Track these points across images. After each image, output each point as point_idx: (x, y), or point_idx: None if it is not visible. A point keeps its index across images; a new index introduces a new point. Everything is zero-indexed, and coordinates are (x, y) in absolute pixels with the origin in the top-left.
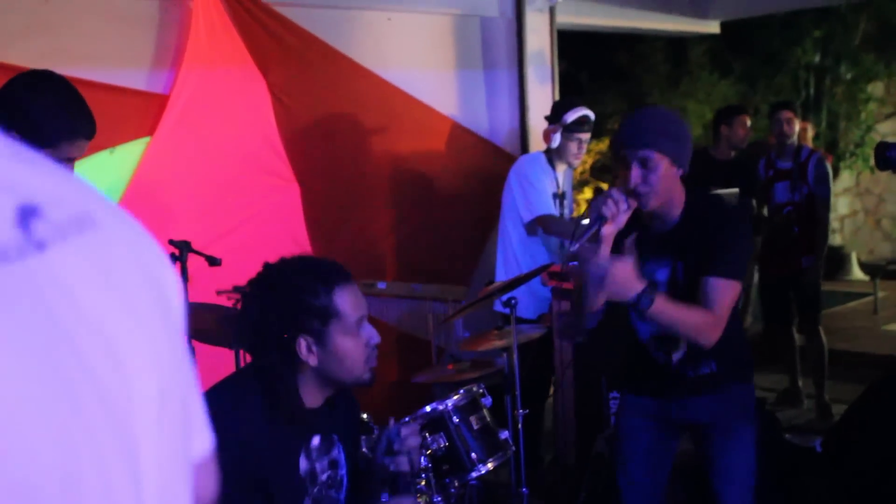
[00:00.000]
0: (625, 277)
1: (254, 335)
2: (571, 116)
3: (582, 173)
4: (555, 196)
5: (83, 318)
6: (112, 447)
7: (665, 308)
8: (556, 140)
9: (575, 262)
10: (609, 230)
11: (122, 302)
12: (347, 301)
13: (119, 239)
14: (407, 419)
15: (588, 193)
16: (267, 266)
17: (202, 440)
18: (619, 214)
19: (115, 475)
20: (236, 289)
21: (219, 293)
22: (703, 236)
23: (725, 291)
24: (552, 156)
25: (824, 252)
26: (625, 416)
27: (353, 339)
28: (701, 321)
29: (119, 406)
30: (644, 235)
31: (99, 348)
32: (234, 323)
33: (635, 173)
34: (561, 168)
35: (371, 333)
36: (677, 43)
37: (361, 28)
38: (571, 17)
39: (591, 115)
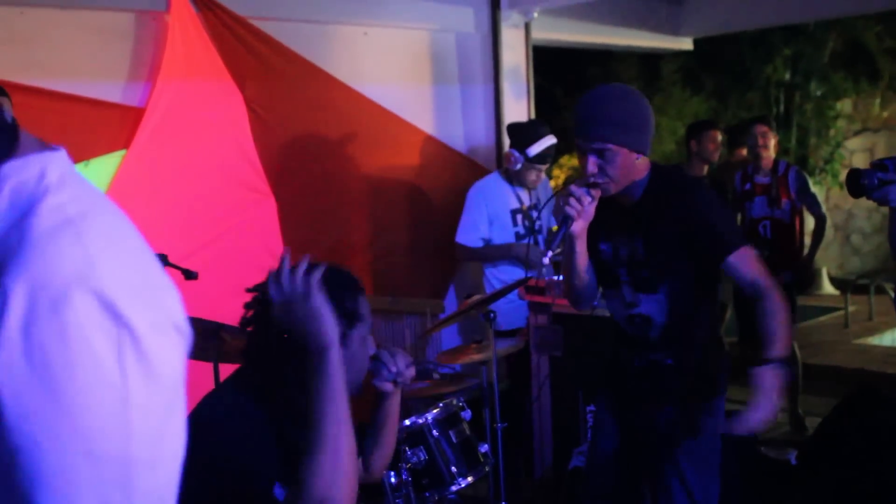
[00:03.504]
0: None
1: (278, 336)
2: (535, 150)
3: (555, 188)
4: (515, 212)
5: None
6: None
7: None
8: (517, 166)
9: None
10: (579, 226)
11: None
12: (367, 308)
13: None
14: None
15: None
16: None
17: None
18: (584, 209)
19: None
20: (258, 286)
21: (248, 290)
22: (665, 213)
23: (747, 259)
24: (511, 175)
25: (813, 259)
26: (600, 411)
27: (365, 346)
28: (774, 309)
29: None
30: (609, 209)
31: None
32: (252, 321)
33: (591, 163)
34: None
35: (372, 343)
36: (650, 59)
37: (338, 42)
38: (546, 33)
39: (555, 142)
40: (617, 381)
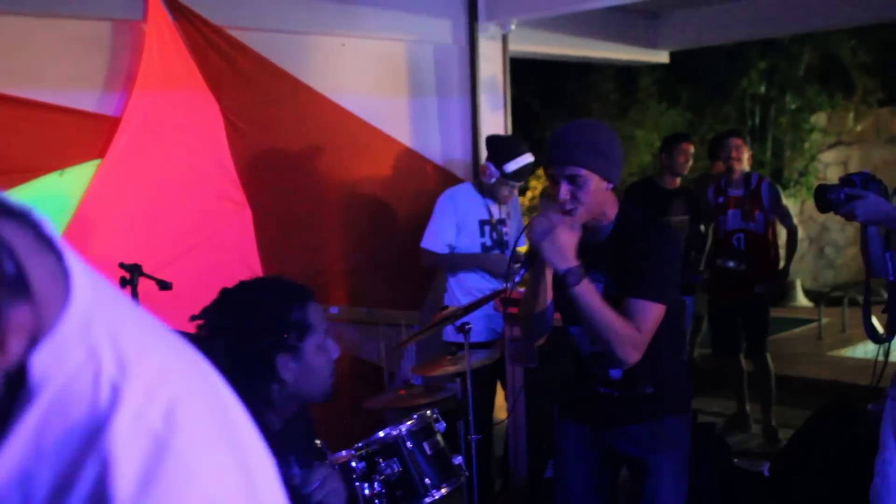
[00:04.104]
0: (564, 244)
1: (231, 357)
2: (512, 167)
3: (532, 199)
4: (484, 223)
5: None
6: None
7: (590, 295)
8: (492, 179)
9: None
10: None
11: None
12: (318, 314)
13: None
14: (360, 444)
15: None
16: (232, 289)
17: None
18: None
19: None
20: (204, 312)
21: (193, 318)
22: (632, 253)
23: (648, 313)
24: (484, 187)
25: (788, 272)
26: (565, 441)
27: (323, 353)
28: (623, 330)
29: None
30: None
31: None
32: (200, 347)
33: (563, 190)
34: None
35: (333, 347)
36: (627, 72)
37: (315, 53)
38: (524, 45)
39: (532, 161)
40: (586, 409)
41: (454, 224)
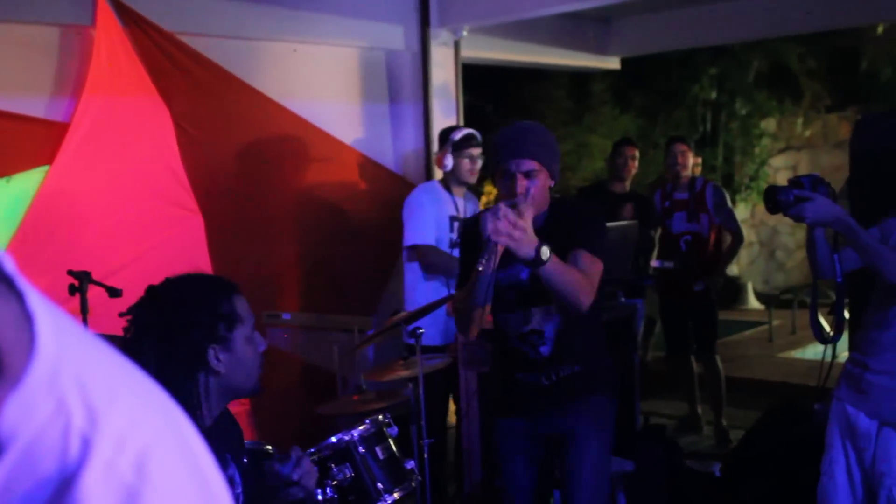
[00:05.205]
0: (525, 229)
1: (162, 352)
2: (458, 135)
3: (486, 204)
4: (453, 219)
5: None
6: None
7: (557, 262)
8: (449, 162)
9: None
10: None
11: None
12: (245, 307)
13: None
14: (312, 450)
15: None
16: (159, 286)
17: None
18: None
19: None
20: (132, 309)
21: (121, 315)
22: (574, 222)
23: (596, 265)
24: (449, 180)
25: (724, 272)
26: (502, 439)
27: (251, 346)
28: (581, 279)
29: None
30: None
31: None
32: (131, 345)
33: (522, 183)
34: (460, 192)
35: (260, 340)
36: (580, 78)
37: (267, 59)
38: (476, 52)
39: (478, 133)
40: (518, 401)
41: (433, 217)
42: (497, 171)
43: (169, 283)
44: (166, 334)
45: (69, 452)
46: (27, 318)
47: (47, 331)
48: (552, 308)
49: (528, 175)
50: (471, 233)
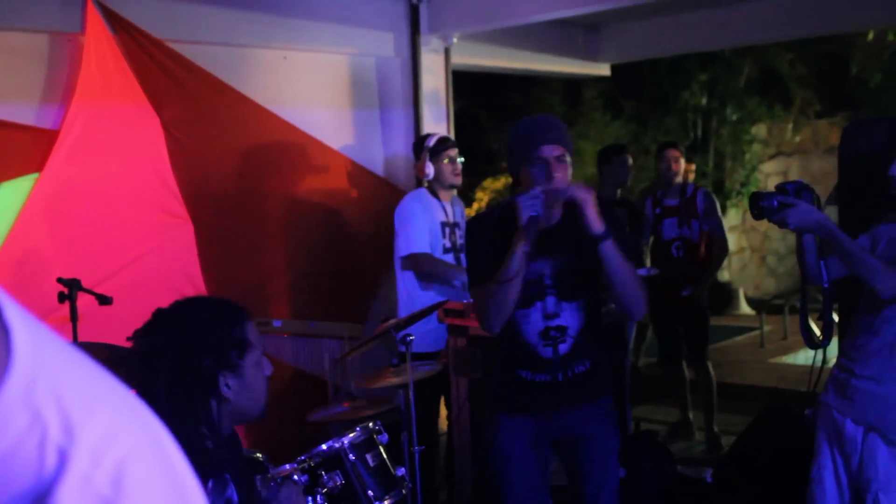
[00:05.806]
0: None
1: (173, 378)
2: (432, 141)
3: (478, 210)
4: (444, 225)
5: None
6: None
7: (615, 248)
8: (430, 169)
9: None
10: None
11: None
12: (255, 333)
13: None
14: (303, 458)
15: None
16: (168, 309)
17: None
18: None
19: None
20: (140, 332)
21: (129, 339)
22: (582, 233)
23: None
24: (434, 187)
25: (711, 279)
26: (501, 438)
27: (260, 371)
28: (638, 280)
29: None
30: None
31: None
32: (139, 369)
33: (560, 168)
34: (447, 197)
35: (267, 365)
36: (572, 85)
37: (257, 66)
38: (466, 58)
39: (450, 136)
40: (530, 399)
41: (427, 224)
42: (525, 160)
43: (178, 306)
44: (177, 360)
45: (45, 466)
46: (3, 330)
47: (24, 342)
48: (579, 304)
49: (559, 160)
50: (484, 225)
